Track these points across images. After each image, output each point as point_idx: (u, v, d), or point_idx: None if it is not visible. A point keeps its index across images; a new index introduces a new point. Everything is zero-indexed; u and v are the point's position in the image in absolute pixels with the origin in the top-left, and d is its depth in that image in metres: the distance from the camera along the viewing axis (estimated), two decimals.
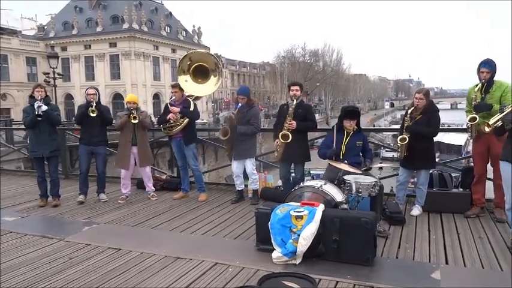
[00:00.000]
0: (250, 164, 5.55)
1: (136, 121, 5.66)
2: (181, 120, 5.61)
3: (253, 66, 76.90)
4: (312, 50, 61.40)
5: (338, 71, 64.98)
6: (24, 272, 3.45)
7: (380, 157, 31.33)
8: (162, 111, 6.10)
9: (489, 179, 4.78)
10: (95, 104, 5.55)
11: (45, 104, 5.37)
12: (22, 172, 9.41)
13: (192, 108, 5.70)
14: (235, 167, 5.59)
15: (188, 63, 5.56)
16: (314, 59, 61.82)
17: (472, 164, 5.00)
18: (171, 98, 5.96)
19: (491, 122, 3.77)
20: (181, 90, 5.72)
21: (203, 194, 5.87)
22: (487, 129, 3.83)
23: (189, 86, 5.60)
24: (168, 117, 5.64)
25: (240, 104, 5.40)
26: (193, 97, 5.88)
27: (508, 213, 3.80)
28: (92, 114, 5.52)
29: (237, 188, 5.75)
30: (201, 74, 5.58)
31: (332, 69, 63.08)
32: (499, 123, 3.66)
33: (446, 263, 3.50)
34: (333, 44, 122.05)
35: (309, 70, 58.37)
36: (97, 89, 5.87)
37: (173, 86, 5.82)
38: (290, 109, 5.07)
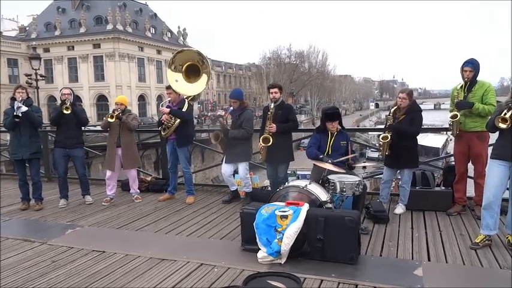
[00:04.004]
0: (243, 168, 5.44)
1: (112, 120, 5.58)
2: (173, 121, 5.52)
3: (239, 68, 76.77)
4: (298, 51, 61.82)
5: (323, 72, 65.34)
6: (5, 277, 3.39)
7: (366, 157, 31.67)
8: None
9: (470, 178, 4.88)
10: (69, 103, 5.43)
11: (26, 106, 5.29)
12: (3, 175, 9.21)
13: (185, 109, 5.55)
14: (225, 169, 5.47)
15: (179, 62, 5.52)
16: (300, 60, 62.13)
17: (453, 163, 5.10)
18: (169, 100, 5.74)
19: (507, 115, 3.46)
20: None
21: (191, 197, 5.80)
22: (502, 125, 3.49)
23: (180, 85, 5.53)
24: (161, 118, 5.59)
25: (231, 108, 5.35)
26: (190, 98, 5.74)
27: (483, 211, 3.78)
28: (65, 112, 5.39)
29: (231, 188, 5.68)
30: (193, 72, 5.53)
31: (317, 70, 63.44)
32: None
33: (429, 259, 3.56)
34: (318, 45, 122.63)
35: (294, 71, 58.63)
36: (72, 90, 5.74)
37: (168, 88, 5.66)
38: (269, 113, 5.09)
